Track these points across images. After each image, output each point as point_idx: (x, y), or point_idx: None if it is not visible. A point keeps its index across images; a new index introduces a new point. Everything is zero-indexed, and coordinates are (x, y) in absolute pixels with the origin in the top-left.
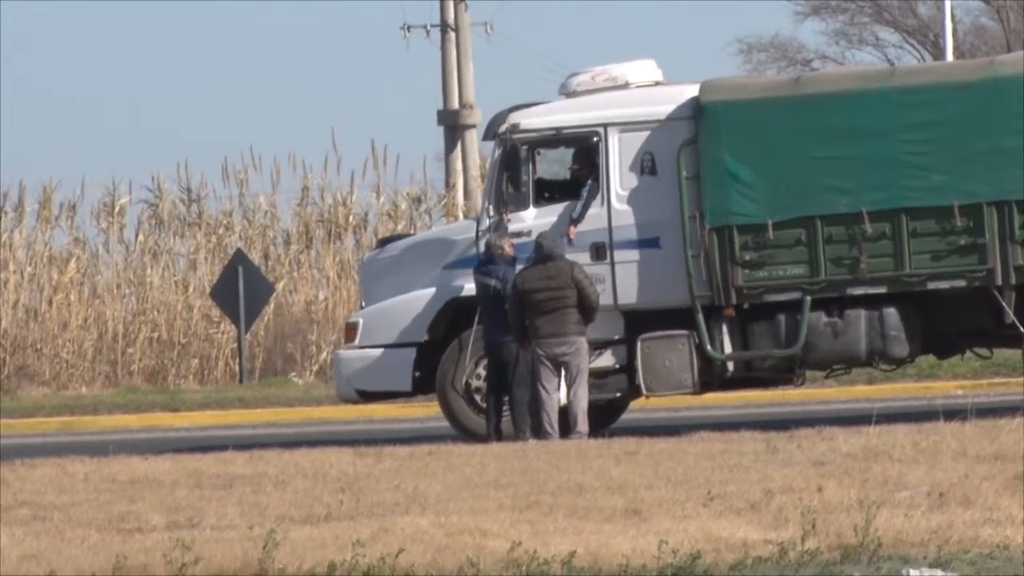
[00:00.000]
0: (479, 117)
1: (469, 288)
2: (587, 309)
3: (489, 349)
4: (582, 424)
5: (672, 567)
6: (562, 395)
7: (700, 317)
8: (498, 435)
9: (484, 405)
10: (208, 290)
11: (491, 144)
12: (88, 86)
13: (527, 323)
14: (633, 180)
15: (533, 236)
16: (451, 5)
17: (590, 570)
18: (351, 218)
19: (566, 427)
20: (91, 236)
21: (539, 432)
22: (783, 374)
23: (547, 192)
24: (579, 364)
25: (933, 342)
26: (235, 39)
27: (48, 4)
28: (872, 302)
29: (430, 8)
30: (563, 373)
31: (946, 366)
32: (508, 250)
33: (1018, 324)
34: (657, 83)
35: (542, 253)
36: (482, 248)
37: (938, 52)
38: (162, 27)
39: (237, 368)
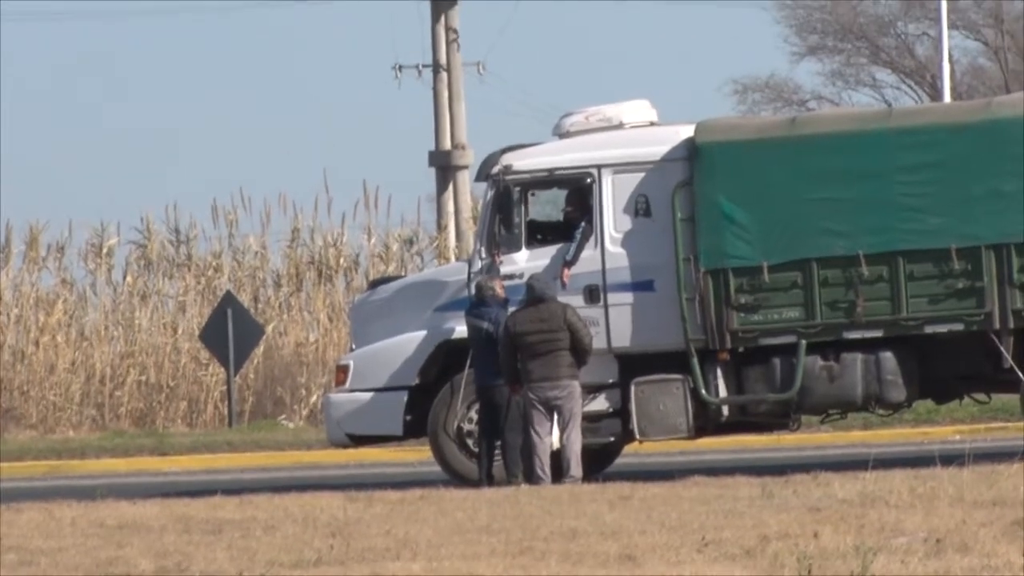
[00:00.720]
0: (471, 158)
1: (461, 331)
2: (580, 352)
3: (481, 393)
4: (575, 469)
5: None
6: (555, 439)
7: (695, 361)
8: (490, 480)
9: (476, 449)
10: (197, 332)
11: (483, 185)
12: (76, 126)
13: (519, 366)
14: (627, 222)
15: (525, 278)
16: (443, 45)
17: None
18: (342, 260)
19: (559, 472)
20: (79, 277)
21: (531, 477)
22: (778, 419)
23: (540, 234)
24: (572, 408)
25: (930, 387)
26: (225, 79)
27: (30, 36)
28: (869, 346)
29: (422, 48)
30: (556, 417)
31: (944, 411)
32: (499, 292)
33: (1016, 369)
34: (652, 124)
35: (534, 295)
36: (473, 290)
37: (935, 93)
38: (152, 61)
39: (226, 411)
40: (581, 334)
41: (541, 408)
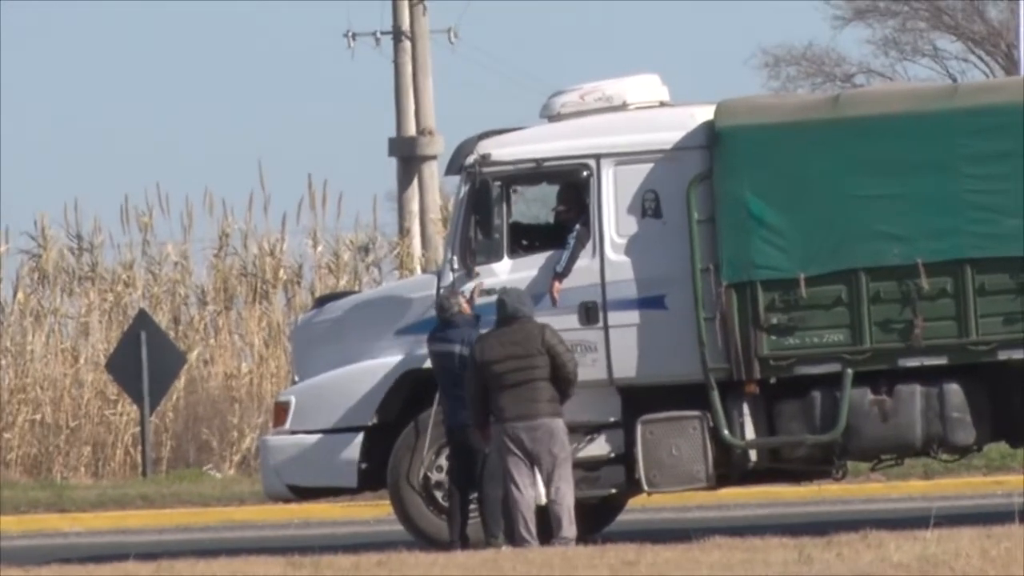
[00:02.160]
0: (441, 146)
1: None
2: (562, 382)
3: (452, 434)
4: (568, 528)
5: None
6: (540, 492)
7: (715, 395)
8: (463, 541)
9: (446, 504)
10: (103, 361)
11: (456, 180)
12: None
13: (491, 402)
14: (632, 224)
15: None
16: (406, 8)
17: None
18: (281, 272)
19: (549, 531)
20: None
21: (514, 537)
22: (819, 465)
23: (525, 239)
24: (556, 453)
25: (1005, 426)
26: (135, 47)
27: None
28: (929, 376)
29: (381, 11)
30: (537, 465)
31: (1021, 456)
32: (465, 308)
33: None
34: (662, 104)
35: (505, 313)
36: (434, 310)
37: (1011, 65)
38: (42, 31)
39: (140, 458)
40: (563, 359)
41: (518, 453)
